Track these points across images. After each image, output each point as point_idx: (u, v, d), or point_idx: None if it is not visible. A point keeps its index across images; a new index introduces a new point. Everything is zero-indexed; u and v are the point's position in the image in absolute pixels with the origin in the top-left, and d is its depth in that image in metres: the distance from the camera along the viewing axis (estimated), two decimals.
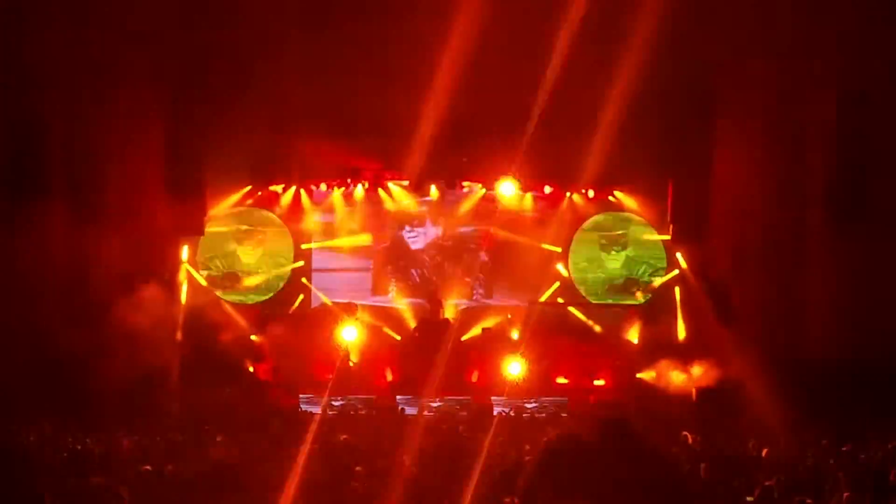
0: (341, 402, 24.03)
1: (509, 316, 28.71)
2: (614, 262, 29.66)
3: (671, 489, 2.50)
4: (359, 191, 28.95)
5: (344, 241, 29.89)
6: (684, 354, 25.07)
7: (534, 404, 24.72)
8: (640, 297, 29.27)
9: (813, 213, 23.23)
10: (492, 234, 29.88)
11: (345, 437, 17.85)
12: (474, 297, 30.07)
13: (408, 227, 30.24)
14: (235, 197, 28.63)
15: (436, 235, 30.30)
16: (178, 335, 24.69)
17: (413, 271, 30.20)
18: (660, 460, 2.50)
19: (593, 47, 26.51)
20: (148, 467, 13.87)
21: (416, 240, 30.35)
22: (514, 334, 28.33)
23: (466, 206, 29.48)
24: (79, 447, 15.71)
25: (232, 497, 11.65)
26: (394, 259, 30.29)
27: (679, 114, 24.92)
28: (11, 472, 4.64)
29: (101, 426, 17.80)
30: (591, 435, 2.55)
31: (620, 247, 29.62)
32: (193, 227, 26.47)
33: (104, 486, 12.61)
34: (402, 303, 29.78)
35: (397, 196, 29.47)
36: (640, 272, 29.50)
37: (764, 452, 16.37)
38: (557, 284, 29.74)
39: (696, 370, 24.11)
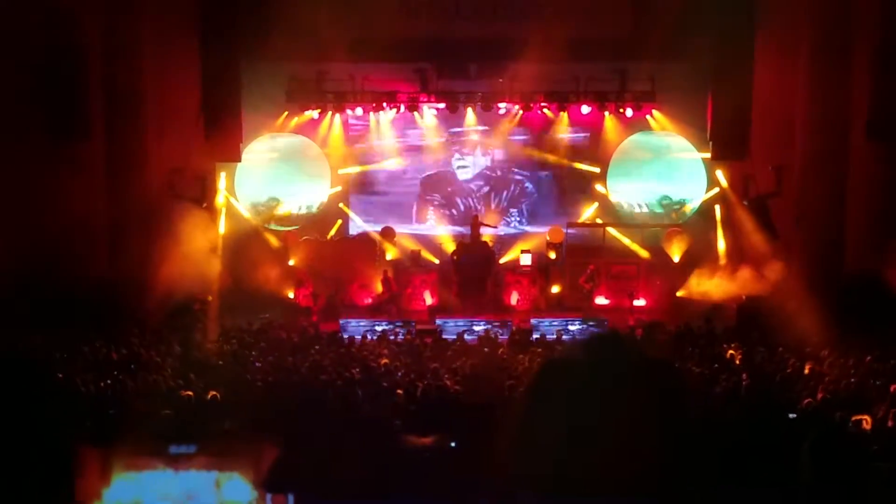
0: (381, 327, 24.04)
1: (548, 238, 28.54)
2: (654, 182, 29.40)
3: (672, 406, 2.35)
4: (394, 114, 28.70)
5: (381, 166, 29.80)
6: (725, 272, 24.89)
7: (574, 326, 24.64)
8: (680, 217, 29.06)
9: (856, 126, 22.77)
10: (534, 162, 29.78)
11: (385, 361, 17.87)
12: (512, 225, 29.97)
13: (457, 155, 30.08)
14: (274, 123, 28.63)
15: (485, 165, 30.14)
16: (218, 262, 24.72)
17: (459, 200, 30.10)
18: (659, 376, 2.35)
19: None
20: (190, 393, 13.96)
21: (466, 170, 30.19)
22: (552, 255, 28.20)
23: (505, 126, 29.25)
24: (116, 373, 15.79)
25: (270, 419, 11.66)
26: (441, 188, 30.19)
27: (719, 27, 24.45)
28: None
29: (143, 353, 17.87)
30: (581, 354, 2.39)
31: (660, 166, 29.34)
32: (230, 154, 26.37)
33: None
34: (442, 230, 29.73)
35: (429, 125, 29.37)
36: (681, 191, 29.27)
37: (806, 369, 16.24)
38: (596, 205, 29.58)
39: (737, 287, 23.93)
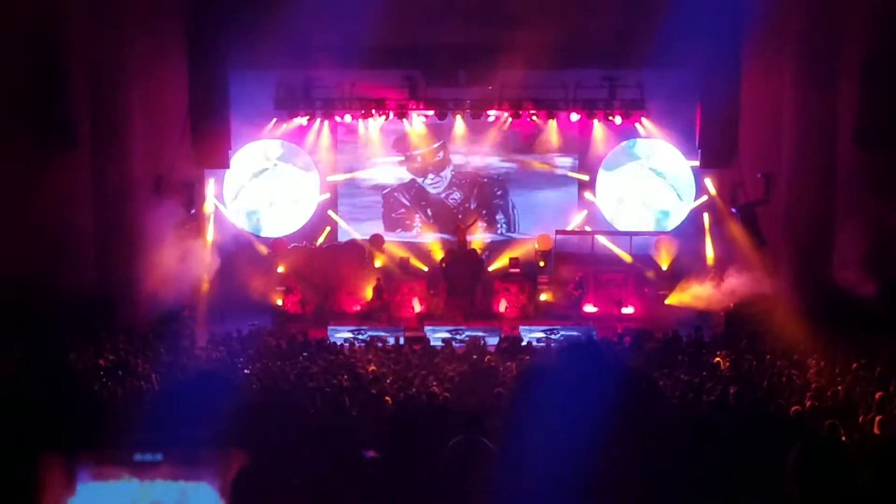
0: (369, 334, 24.01)
1: (536, 245, 28.56)
2: (642, 189, 29.44)
3: (644, 408, 2.37)
4: (383, 122, 28.71)
5: (370, 174, 29.82)
6: (713, 280, 24.92)
7: (561, 333, 24.61)
8: (668, 224, 29.11)
9: (843, 133, 22.79)
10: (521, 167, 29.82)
11: (373, 368, 17.85)
12: (499, 231, 30.02)
13: (431, 176, 30.20)
14: (263, 130, 28.62)
15: (452, 176, 30.21)
16: (206, 269, 24.68)
17: (429, 210, 30.20)
18: (634, 386, 2.37)
19: None
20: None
21: (437, 185, 30.29)
22: (541, 263, 28.19)
23: (492, 135, 29.33)
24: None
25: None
26: (414, 199, 30.29)
27: (707, 35, 24.50)
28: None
29: (130, 360, 17.79)
30: (555, 362, 2.41)
31: (648, 173, 29.40)
32: (219, 161, 26.36)
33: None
34: (428, 237, 29.77)
35: (416, 134, 29.42)
36: (669, 198, 29.31)
37: (794, 376, 16.28)
38: (585, 213, 29.60)
39: (725, 295, 23.96)
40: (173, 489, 5.22)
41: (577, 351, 2.42)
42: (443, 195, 30.29)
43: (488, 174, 30.12)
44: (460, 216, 29.59)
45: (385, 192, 30.21)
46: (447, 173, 30.22)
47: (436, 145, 29.84)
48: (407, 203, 30.23)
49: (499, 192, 30.24)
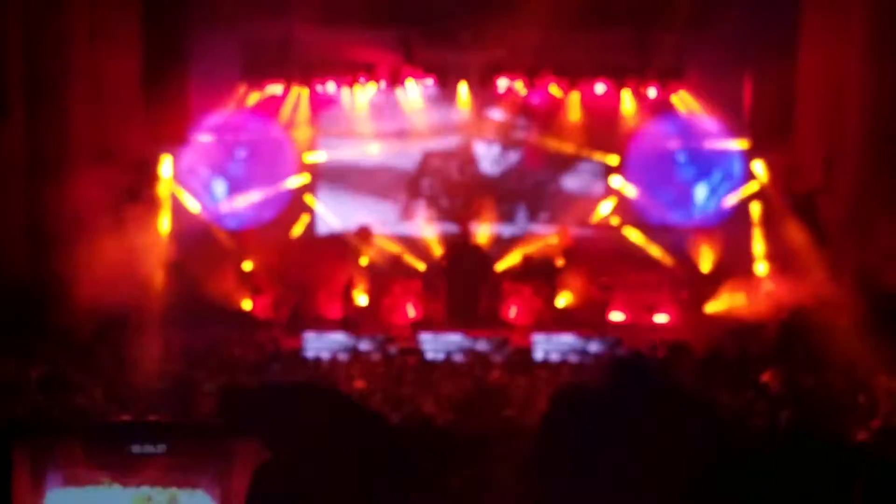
0: (354, 343, 24.01)
1: (554, 240, 28.48)
2: (680, 175, 29.39)
3: (705, 440, 2.36)
4: (373, 90, 28.62)
5: (357, 152, 29.69)
6: (763, 283, 24.90)
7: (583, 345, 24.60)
8: (709, 216, 29.05)
9: None
10: (538, 148, 29.67)
11: (358, 384, 17.84)
12: (514, 223, 29.91)
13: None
14: (229, 99, 28.54)
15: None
16: (160, 264, 24.66)
17: (450, 192, 30.04)
18: (688, 406, 2.36)
19: None
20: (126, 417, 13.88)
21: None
22: (559, 262, 28.14)
23: (505, 106, 29.25)
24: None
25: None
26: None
27: None
28: None
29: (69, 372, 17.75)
30: (603, 382, 2.40)
31: (687, 155, 29.32)
32: (177, 137, 26.31)
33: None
34: (430, 229, 29.61)
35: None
36: (712, 186, 29.26)
37: (859, 397, 16.25)
38: (612, 202, 29.51)
39: (777, 301, 23.93)
40: (161, 497, 5.14)
41: (625, 370, 2.40)
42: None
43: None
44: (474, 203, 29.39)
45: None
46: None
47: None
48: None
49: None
